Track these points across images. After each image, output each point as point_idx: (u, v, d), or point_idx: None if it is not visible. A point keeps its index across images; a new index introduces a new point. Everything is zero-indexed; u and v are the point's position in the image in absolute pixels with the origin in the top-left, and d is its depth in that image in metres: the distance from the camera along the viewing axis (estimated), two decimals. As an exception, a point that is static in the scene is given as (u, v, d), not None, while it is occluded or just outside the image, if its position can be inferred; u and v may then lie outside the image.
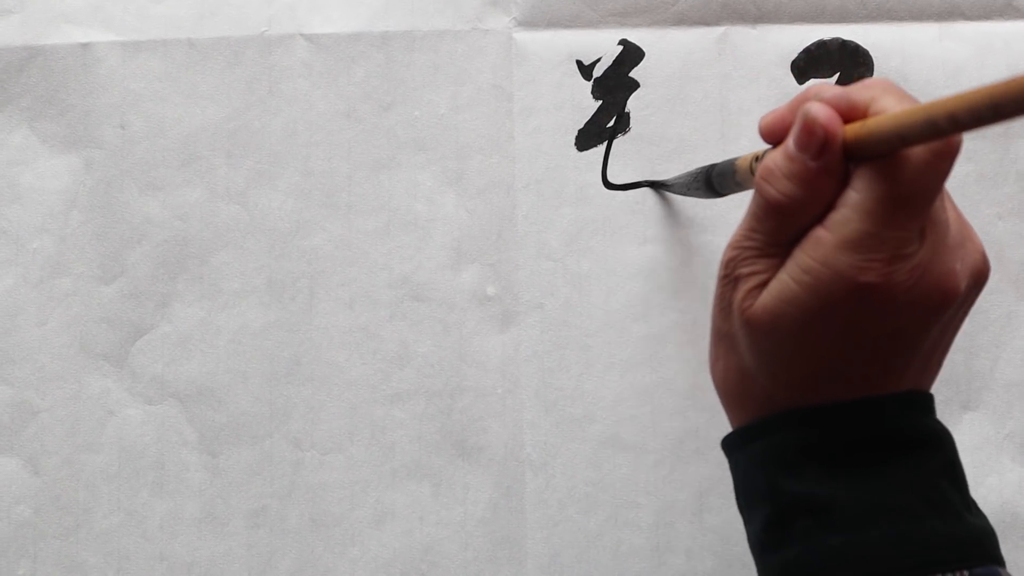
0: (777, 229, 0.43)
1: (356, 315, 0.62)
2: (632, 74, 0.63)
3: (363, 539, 0.61)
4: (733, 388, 0.46)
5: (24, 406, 0.62)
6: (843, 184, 0.41)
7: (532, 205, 0.62)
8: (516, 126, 0.63)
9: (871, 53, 0.63)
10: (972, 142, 0.62)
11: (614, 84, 0.63)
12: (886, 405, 0.43)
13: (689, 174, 0.58)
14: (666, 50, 0.63)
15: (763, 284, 0.43)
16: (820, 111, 0.41)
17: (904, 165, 0.39)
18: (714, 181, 0.54)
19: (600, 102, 0.63)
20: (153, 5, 0.63)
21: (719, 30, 0.63)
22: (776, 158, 0.42)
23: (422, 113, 0.63)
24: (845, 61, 0.63)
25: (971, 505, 0.43)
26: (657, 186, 0.62)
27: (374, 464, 0.61)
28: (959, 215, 0.44)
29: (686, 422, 0.62)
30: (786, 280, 0.42)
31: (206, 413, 0.62)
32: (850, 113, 0.41)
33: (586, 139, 0.63)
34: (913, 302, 0.41)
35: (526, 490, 0.61)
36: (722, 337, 0.46)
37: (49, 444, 0.62)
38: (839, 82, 0.63)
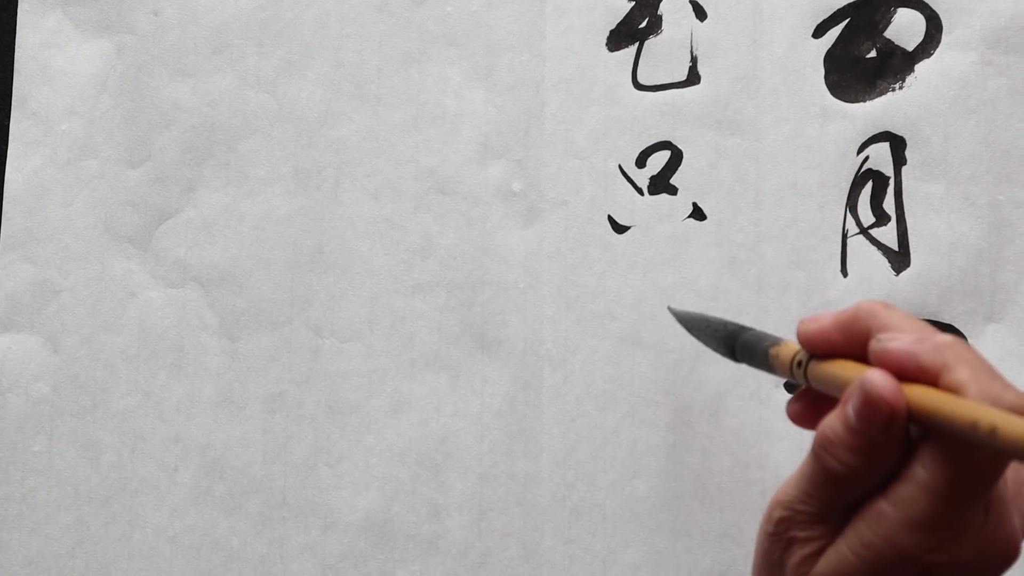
0: (835, 496, 0.41)
1: (381, 206, 0.62)
2: (665, -22, 0.63)
3: (379, 427, 0.61)
4: None
5: (46, 285, 0.62)
6: (906, 450, 0.40)
7: (561, 104, 0.62)
8: (548, 25, 0.63)
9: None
10: (1003, 56, 0.62)
11: (647, -13, 0.63)
12: None
13: (708, 324, 0.55)
14: (700, -45, 0.63)
15: (819, 551, 0.42)
16: (884, 386, 0.39)
17: (975, 446, 0.38)
18: (737, 350, 0.51)
19: (633, 3, 0.63)
20: None
21: (753, -63, 0.63)
22: (836, 428, 0.40)
23: (454, 8, 0.63)
24: (879, -27, 0.63)
25: None
26: (677, 313, 0.59)
27: (393, 354, 0.61)
28: None
29: (707, 323, 0.61)
30: (845, 552, 0.41)
31: (227, 298, 0.62)
32: (917, 376, 0.39)
33: (617, 40, 0.63)
34: (977, 572, 0.40)
35: (544, 385, 0.61)
36: None
37: (69, 323, 0.62)
38: (872, -8, 0.63)
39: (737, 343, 0.51)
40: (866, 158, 0.62)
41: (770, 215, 0.62)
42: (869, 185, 0.62)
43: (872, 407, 0.39)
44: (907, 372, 0.39)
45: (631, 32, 0.63)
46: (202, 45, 0.63)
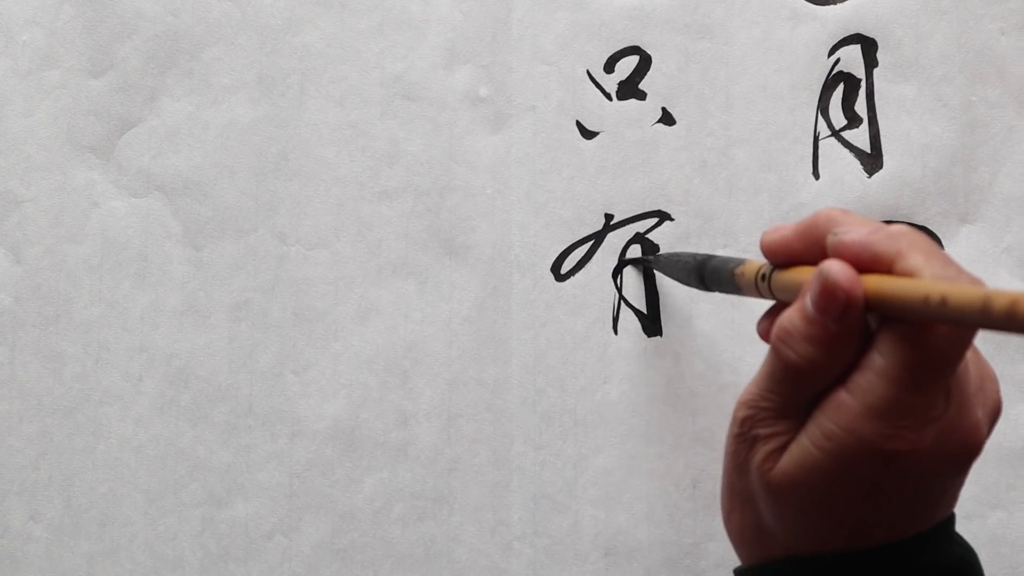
0: (795, 390, 0.41)
1: (346, 112, 0.61)
2: None
3: (346, 334, 0.60)
4: (751, 541, 0.45)
5: (7, 196, 0.61)
6: (864, 342, 0.39)
7: (528, 8, 0.62)
8: (514, -70, 0.62)
9: None
10: (976, -43, 0.61)
11: None
12: (914, 547, 0.42)
13: (679, 258, 0.55)
14: None
15: (783, 447, 0.42)
16: (840, 273, 0.38)
17: (931, 329, 0.38)
18: (707, 278, 0.51)
19: (599, -94, 0.62)
20: None
21: None
22: (794, 319, 0.40)
23: (419, -86, 0.62)
24: None
25: None
26: (642, 261, 0.60)
27: (360, 260, 0.60)
28: (974, 348, 0.42)
29: (677, 228, 0.61)
30: (807, 445, 0.41)
31: (191, 206, 0.61)
32: (873, 266, 0.39)
33: (584, -56, 0.62)
34: (940, 462, 0.40)
35: (513, 290, 0.60)
36: (737, 492, 0.45)
37: (32, 234, 0.61)
38: None
39: (705, 272, 0.51)
40: (837, 60, 0.61)
41: (740, 118, 0.61)
42: (840, 87, 0.61)
43: (829, 295, 0.39)
44: (863, 262, 0.39)
45: (599, -65, 0.62)
46: (164, -47, 0.62)
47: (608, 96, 0.61)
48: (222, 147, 0.61)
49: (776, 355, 0.41)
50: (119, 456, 0.60)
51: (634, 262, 0.60)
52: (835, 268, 0.39)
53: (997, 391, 0.43)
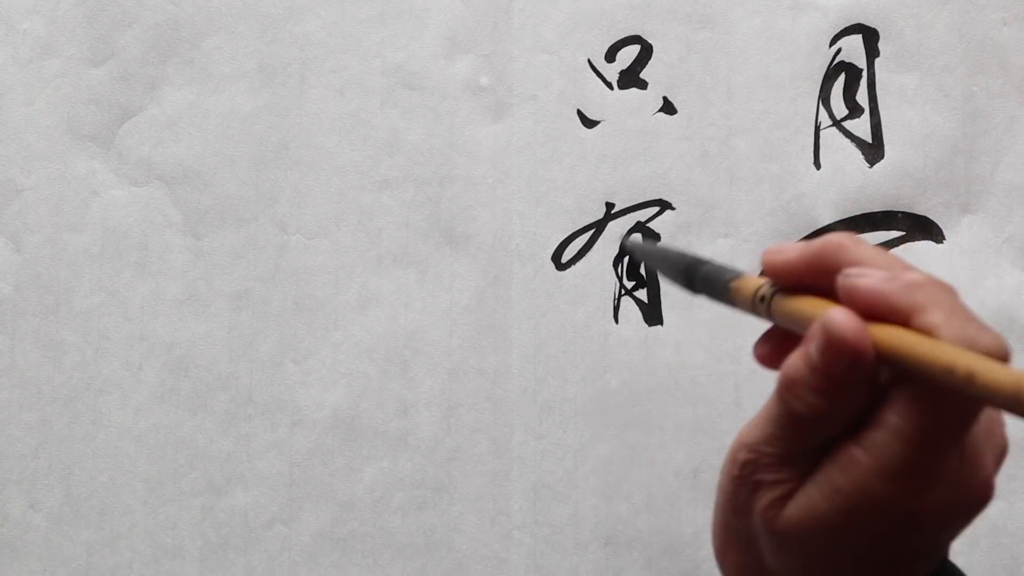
0: (801, 439, 0.39)
1: (347, 101, 0.61)
2: None
3: (346, 324, 0.60)
4: None
5: (8, 184, 0.61)
6: (875, 390, 0.38)
7: (529, -2, 0.62)
8: (515, -81, 0.62)
9: None
10: (978, -53, 0.61)
11: None
12: None
13: (667, 256, 0.52)
14: None
15: (788, 494, 0.40)
16: (848, 326, 0.36)
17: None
18: (697, 284, 0.49)
19: None
20: None
21: None
22: (800, 368, 0.38)
23: (420, -97, 0.62)
24: None
25: None
26: (634, 249, 0.59)
27: (360, 249, 0.60)
28: None
29: (678, 217, 0.60)
30: (816, 497, 0.39)
31: (191, 195, 0.61)
32: (887, 317, 0.37)
33: (585, -67, 0.62)
34: (950, 515, 0.39)
35: (514, 279, 0.60)
36: (733, 532, 0.43)
37: (32, 222, 0.61)
38: None
39: (697, 275, 0.49)
40: (838, 50, 0.61)
41: (742, 108, 0.61)
42: (842, 77, 0.61)
43: (835, 349, 0.36)
44: (877, 311, 0.37)
45: (600, -76, 0.62)
46: (165, -58, 0.62)
47: (609, 85, 0.61)
48: (223, 136, 0.61)
49: (783, 404, 0.40)
50: (119, 445, 0.59)
51: (624, 246, 0.59)
52: (841, 321, 0.36)
53: (1003, 433, 0.42)
